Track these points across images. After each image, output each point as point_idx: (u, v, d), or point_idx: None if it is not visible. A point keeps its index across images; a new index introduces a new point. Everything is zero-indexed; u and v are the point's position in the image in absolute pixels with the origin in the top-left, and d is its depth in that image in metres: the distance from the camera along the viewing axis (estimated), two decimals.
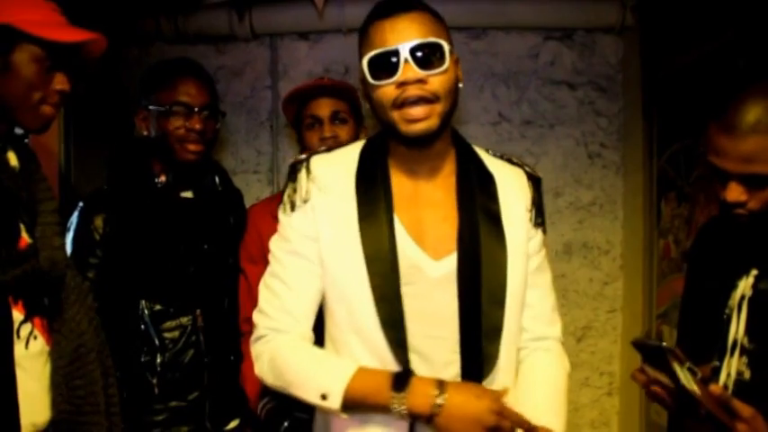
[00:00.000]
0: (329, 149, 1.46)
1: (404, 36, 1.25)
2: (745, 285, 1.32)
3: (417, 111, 1.26)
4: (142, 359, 1.79)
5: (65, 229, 1.41)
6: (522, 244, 1.37)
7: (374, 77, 1.27)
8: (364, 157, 1.38)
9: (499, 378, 1.31)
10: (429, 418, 1.20)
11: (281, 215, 1.41)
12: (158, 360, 1.80)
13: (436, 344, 1.30)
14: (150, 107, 1.82)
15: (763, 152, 1.19)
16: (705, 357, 1.38)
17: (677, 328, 1.76)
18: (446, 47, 1.27)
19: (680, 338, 1.67)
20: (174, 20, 2.65)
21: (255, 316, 1.43)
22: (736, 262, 1.35)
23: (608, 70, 2.73)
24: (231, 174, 2.68)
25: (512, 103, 2.75)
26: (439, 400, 1.19)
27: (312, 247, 1.34)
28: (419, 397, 1.21)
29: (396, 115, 1.27)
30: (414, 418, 1.23)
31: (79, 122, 2.37)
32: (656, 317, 2.44)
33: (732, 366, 1.31)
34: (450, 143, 1.39)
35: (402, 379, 1.23)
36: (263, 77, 2.79)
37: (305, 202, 1.36)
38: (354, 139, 2.02)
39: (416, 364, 1.28)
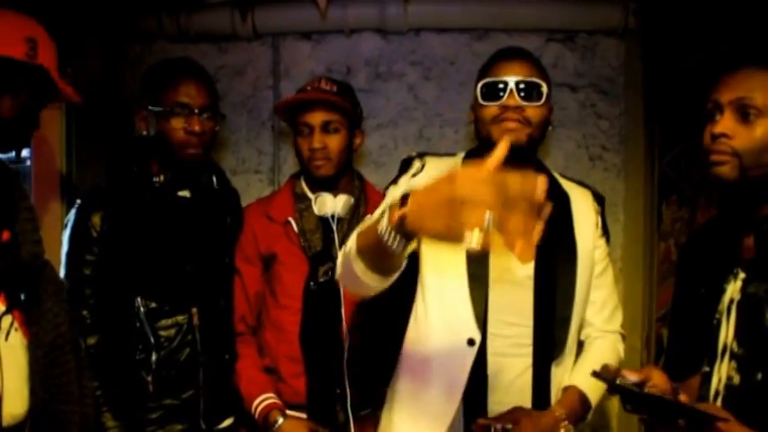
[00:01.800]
0: (440, 154, 1.77)
1: (514, 73, 1.60)
2: (733, 289, 1.32)
3: (512, 124, 1.58)
4: (137, 357, 1.80)
5: (39, 226, 1.45)
6: (590, 253, 1.70)
7: (484, 99, 1.62)
8: (466, 163, 1.63)
9: (566, 360, 1.65)
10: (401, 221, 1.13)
11: (391, 189, 1.70)
12: (153, 358, 1.80)
13: (512, 329, 1.60)
14: (150, 107, 1.83)
15: (761, 85, 1.25)
16: (696, 363, 1.37)
17: (668, 332, 1.76)
18: (545, 89, 1.62)
19: (670, 344, 1.68)
20: (176, 18, 2.65)
21: None
22: (724, 264, 1.35)
23: (610, 73, 2.72)
24: (232, 173, 2.70)
25: None
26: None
27: None
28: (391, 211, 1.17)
29: (493, 128, 1.60)
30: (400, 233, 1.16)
31: (81, 120, 2.38)
32: (656, 320, 2.43)
33: (722, 371, 1.30)
34: (534, 170, 1.58)
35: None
36: (264, 77, 2.79)
37: (413, 176, 1.67)
38: (346, 147, 2.02)
39: (497, 341, 1.59)
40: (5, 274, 1.35)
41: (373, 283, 1.31)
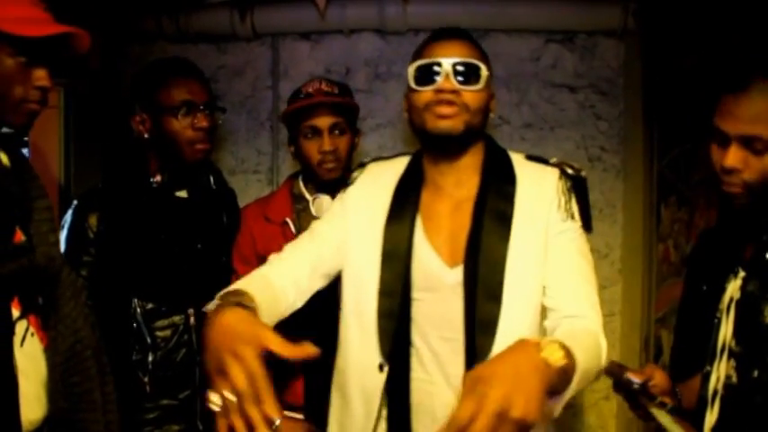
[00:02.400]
0: (388, 157, 1.66)
1: (449, 54, 1.43)
2: (733, 288, 1.32)
3: (446, 108, 1.41)
4: (134, 357, 1.80)
5: (59, 228, 1.41)
6: (536, 242, 1.43)
7: (417, 83, 1.45)
8: (408, 169, 1.56)
9: None
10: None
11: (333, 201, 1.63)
12: (150, 359, 1.80)
13: (449, 345, 1.42)
14: (149, 109, 1.82)
15: (767, 116, 1.20)
16: (699, 362, 1.37)
17: (674, 333, 1.76)
18: (483, 71, 1.44)
19: (675, 344, 1.67)
20: (175, 19, 2.66)
21: None
22: (726, 263, 1.35)
23: (609, 74, 2.72)
24: (231, 173, 2.70)
25: (512, 105, 2.74)
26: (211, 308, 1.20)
27: (340, 227, 1.53)
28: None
29: (427, 115, 1.43)
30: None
31: (79, 121, 2.38)
32: (655, 321, 2.43)
33: (721, 370, 1.30)
34: (479, 160, 1.51)
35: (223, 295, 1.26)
36: (264, 77, 2.79)
37: (346, 191, 1.58)
38: (351, 148, 2.02)
39: (427, 361, 1.44)
40: (19, 278, 1.30)
41: None
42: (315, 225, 1.58)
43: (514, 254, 1.41)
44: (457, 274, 1.42)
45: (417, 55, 1.50)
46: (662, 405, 1.39)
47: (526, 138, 2.74)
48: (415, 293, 1.45)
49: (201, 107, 1.82)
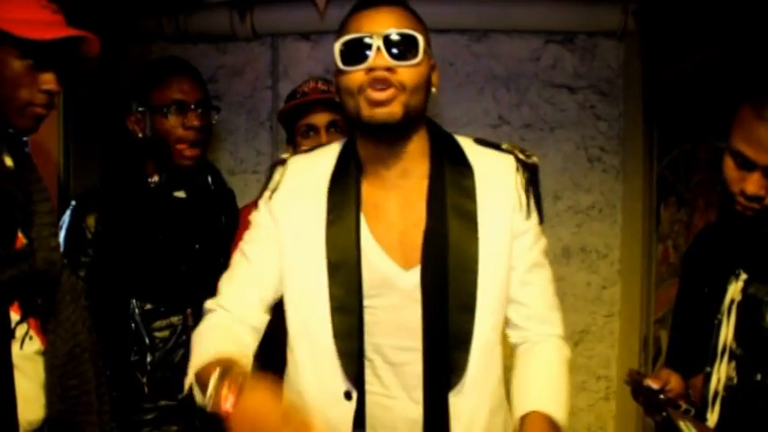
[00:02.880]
0: (310, 149, 1.46)
1: (379, 25, 1.23)
2: (734, 290, 1.32)
3: (380, 93, 1.22)
4: (132, 358, 1.79)
5: (58, 231, 1.41)
6: (502, 243, 1.31)
7: (345, 63, 1.24)
8: (340, 160, 1.36)
9: (468, 389, 1.27)
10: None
11: (253, 212, 1.41)
12: (148, 359, 1.80)
13: (407, 355, 1.29)
14: (143, 109, 1.82)
15: None
16: (697, 363, 1.37)
17: (670, 332, 1.76)
18: (420, 42, 1.24)
19: (671, 344, 1.67)
20: (175, 19, 2.66)
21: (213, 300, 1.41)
22: (727, 265, 1.35)
23: (609, 74, 2.72)
24: (230, 173, 2.70)
25: (512, 105, 2.74)
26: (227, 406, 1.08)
27: (273, 240, 1.35)
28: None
29: (360, 100, 1.24)
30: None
31: (78, 121, 2.38)
32: (654, 322, 2.43)
33: (722, 372, 1.30)
34: (425, 145, 1.34)
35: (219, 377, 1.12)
36: (263, 77, 2.79)
37: (270, 197, 1.37)
38: None
39: (387, 374, 1.30)
40: (19, 283, 1.30)
41: None
42: (246, 248, 1.38)
43: (485, 257, 1.28)
44: (412, 277, 1.28)
45: (343, 28, 1.29)
46: (686, 413, 1.37)
47: (526, 138, 2.74)
48: (366, 301, 1.29)
49: (193, 106, 1.81)
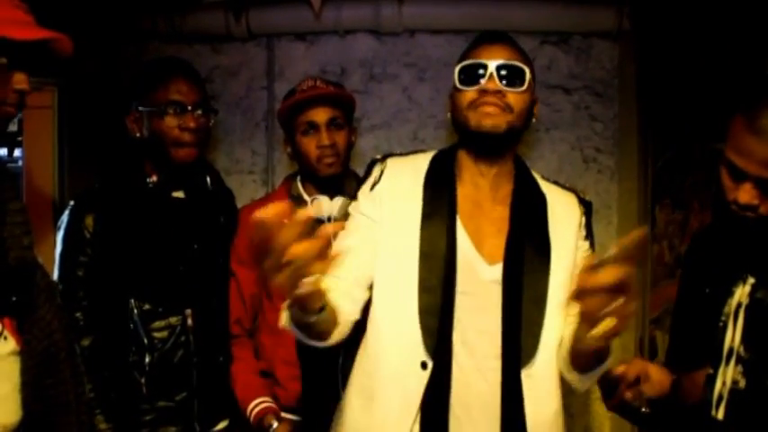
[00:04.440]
0: (406, 153, 1.64)
1: (494, 56, 1.47)
2: (741, 293, 1.32)
3: (490, 108, 1.44)
4: (130, 359, 1.79)
5: (31, 230, 1.40)
6: (568, 257, 1.51)
7: (461, 83, 1.47)
8: (434, 164, 1.56)
9: (539, 372, 1.45)
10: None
11: (352, 204, 1.59)
12: (147, 360, 1.79)
13: (482, 338, 1.45)
14: (142, 108, 1.82)
15: None
16: (697, 364, 1.37)
17: (669, 334, 1.76)
18: (527, 74, 1.47)
19: (671, 344, 1.67)
20: (170, 19, 2.65)
21: None
22: (732, 268, 1.34)
23: (604, 75, 2.73)
24: (226, 174, 2.69)
25: None
26: None
27: (372, 228, 1.52)
28: None
29: (470, 113, 1.45)
30: None
31: (74, 121, 2.37)
32: (650, 322, 2.44)
33: (727, 375, 1.30)
34: (512, 167, 1.56)
35: None
36: (259, 78, 2.79)
37: (371, 189, 1.55)
38: (349, 143, 2.02)
39: (462, 354, 1.45)
40: None
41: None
42: (347, 236, 1.53)
43: (554, 266, 1.48)
44: (495, 272, 1.46)
45: (463, 57, 1.53)
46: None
47: (522, 139, 2.73)
48: (459, 288, 1.46)
49: (190, 108, 1.81)
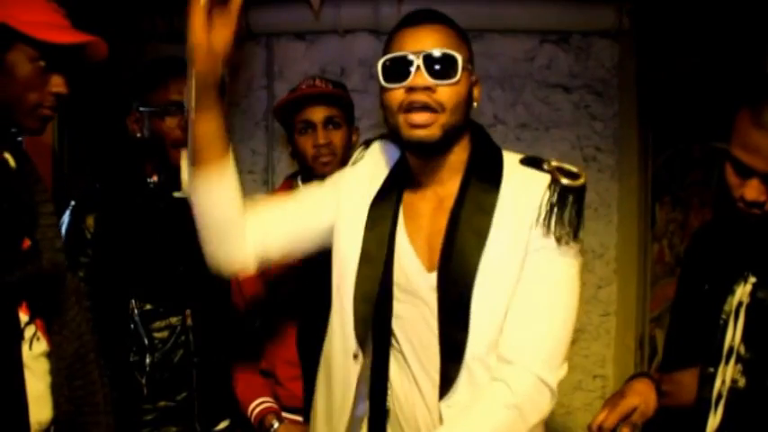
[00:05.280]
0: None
1: (421, 45, 1.27)
2: (742, 292, 1.30)
3: (420, 117, 1.27)
4: (131, 359, 1.78)
5: (61, 233, 1.42)
6: (510, 260, 1.29)
7: (386, 80, 1.30)
8: (399, 159, 1.45)
9: (458, 401, 1.28)
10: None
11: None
12: (147, 360, 1.79)
13: (428, 343, 1.33)
14: (142, 109, 1.82)
15: None
16: (695, 362, 1.37)
17: (667, 331, 1.76)
18: (459, 62, 1.27)
19: (668, 342, 1.67)
20: (169, 18, 2.65)
21: None
22: (733, 266, 1.33)
23: (604, 74, 2.73)
24: None
25: (507, 105, 2.75)
26: None
27: (330, 199, 1.47)
28: None
29: (401, 119, 1.29)
30: None
31: (74, 120, 2.36)
32: (650, 321, 2.44)
33: (727, 374, 1.29)
34: (464, 158, 1.37)
35: None
36: (258, 77, 2.79)
37: (341, 173, 1.53)
38: (348, 143, 2.01)
39: (411, 357, 1.36)
40: (27, 284, 1.31)
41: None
42: (303, 192, 1.53)
43: (485, 270, 1.28)
44: (432, 280, 1.32)
45: (387, 47, 1.34)
46: None
47: (521, 138, 2.74)
48: (398, 293, 1.37)
49: None
